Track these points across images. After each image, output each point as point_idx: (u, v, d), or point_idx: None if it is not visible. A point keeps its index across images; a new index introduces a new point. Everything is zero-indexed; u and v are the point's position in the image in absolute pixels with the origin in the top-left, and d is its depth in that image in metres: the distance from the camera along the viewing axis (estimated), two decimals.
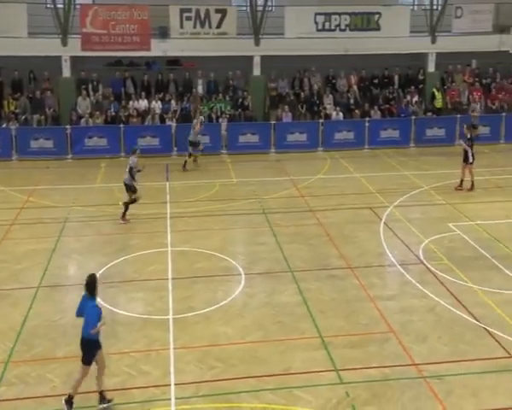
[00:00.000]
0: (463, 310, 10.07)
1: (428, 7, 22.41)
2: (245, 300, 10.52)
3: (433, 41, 22.32)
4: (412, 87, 22.19)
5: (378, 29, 22.17)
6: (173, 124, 20.35)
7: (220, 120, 20.60)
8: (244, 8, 22.45)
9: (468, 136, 16.13)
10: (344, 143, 20.35)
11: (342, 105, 21.72)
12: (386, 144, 20.31)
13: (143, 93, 21.32)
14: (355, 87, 22.26)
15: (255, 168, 18.62)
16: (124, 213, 13.82)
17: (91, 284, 7.60)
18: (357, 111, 21.54)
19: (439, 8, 22.35)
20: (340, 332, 9.44)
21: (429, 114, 21.63)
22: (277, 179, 17.41)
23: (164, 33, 21.31)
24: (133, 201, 13.92)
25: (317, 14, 21.94)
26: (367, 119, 20.82)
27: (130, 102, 21.05)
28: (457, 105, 21.96)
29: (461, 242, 12.82)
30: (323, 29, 22.09)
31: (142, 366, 8.54)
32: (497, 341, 9.19)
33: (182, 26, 21.35)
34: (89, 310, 7.52)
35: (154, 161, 19.19)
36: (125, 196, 14.11)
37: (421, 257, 12.06)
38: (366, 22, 22.24)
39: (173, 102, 21.17)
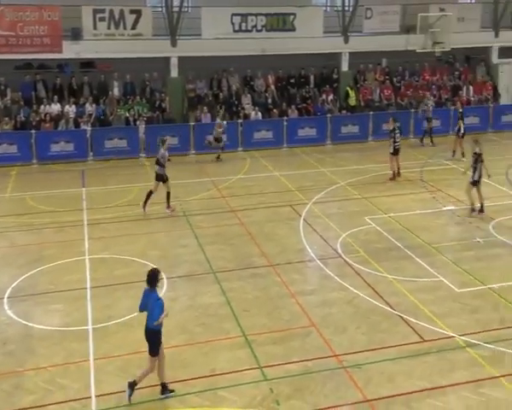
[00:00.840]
0: (380, 300, 10.50)
1: (340, 8, 23.06)
2: (167, 304, 10.20)
3: (346, 41, 23.01)
4: (327, 86, 22.81)
5: (293, 30, 22.58)
6: (88, 128, 19.76)
7: (138, 122, 20.23)
8: (160, 9, 22.17)
9: (391, 127, 16.99)
10: (263, 142, 20.58)
11: (260, 105, 21.99)
12: (303, 142, 20.72)
13: (56, 97, 20.52)
14: (272, 87, 22.59)
15: (175, 171, 18.15)
16: (168, 204, 14.47)
17: (153, 278, 8.00)
18: (275, 110, 21.88)
19: (351, 9, 23.04)
20: (264, 330, 9.58)
21: (344, 111, 22.30)
22: (198, 181, 17.35)
23: (76, 35, 20.61)
24: (151, 193, 14.48)
25: (233, 14, 22.04)
26: (285, 118, 21.17)
27: (42, 107, 20.21)
28: (370, 102, 22.82)
29: (376, 234, 13.34)
30: (240, 30, 22.23)
31: (61, 380, 8.27)
32: (410, 327, 9.65)
33: (95, 28, 20.76)
34: (153, 303, 7.95)
35: (68, 167, 18.62)
36: (154, 186, 14.46)
37: (339, 251, 12.46)
38: (282, 23, 22.59)
39: (88, 105, 20.55)
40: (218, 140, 19.31)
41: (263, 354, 8.92)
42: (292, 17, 22.56)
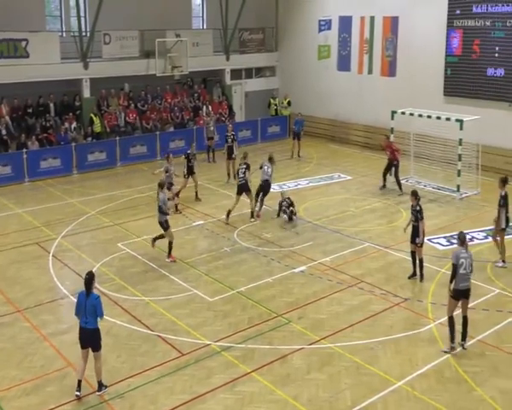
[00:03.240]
0: (138, 324, 10.56)
1: (77, 33, 22.56)
2: None
3: (86, 67, 22.58)
4: (70, 114, 22.04)
5: (27, 56, 21.28)
6: None
7: None
8: None
9: (189, 151, 17.28)
10: (0, 178, 18.97)
11: None
12: (47, 174, 19.65)
13: None
14: (7, 118, 20.87)
15: None
16: (169, 253, 13.23)
17: (89, 281, 8.62)
18: (12, 143, 20.26)
19: (88, 34, 22.70)
20: (14, 382, 8.85)
21: (89, 139, 21.82)
22: None
23: None
24: (163, 237, 13.32)
25: None
26: (24, 150, 19.74)
27: None
28: (115, 128, 22.74)
29: (130, 259, 13.36)
30: None
31: None
32: (169, 344, 9.91)
33: None
34: (95, 302, 8.63)
35: None
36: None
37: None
38: (13, 49, 21.11)
39: None
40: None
41: (15, 409, 8.19)
42: (24, 43, 21.24)
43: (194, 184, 17.27)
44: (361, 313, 10.90)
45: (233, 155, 19.23)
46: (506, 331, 10.21)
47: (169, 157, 16.36)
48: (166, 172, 16.04)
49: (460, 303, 9.57)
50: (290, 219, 15.48)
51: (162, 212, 13.04)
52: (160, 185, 13.27)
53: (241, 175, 15.59)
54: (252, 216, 15.66)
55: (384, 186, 18.30)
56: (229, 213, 15.48)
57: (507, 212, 12.66)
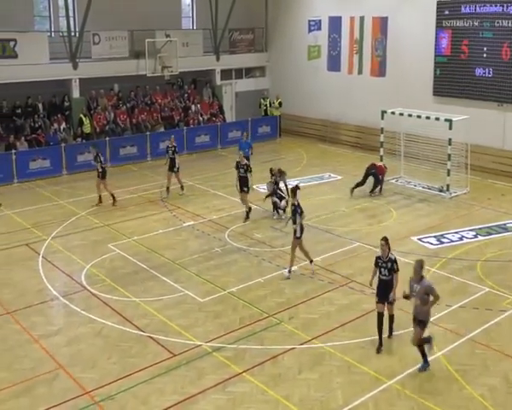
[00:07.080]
0: (129, 325, 10.51)
1: (66, 33, 22.43)
2: None
3: (75, 67, 22.46)
4: (59, 114, 21.92)
5: (15, 56, 21.13)
6: None
7: None
8: None
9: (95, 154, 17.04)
10: None
11: None
12: (37, 175, 19.52)
13: None
14: None
15: None
16: None
17: None
18: (0, 144, 20.07)
19: (77, 34, 22.57)
20: (3, 385, 8.76)
21: (79, 139, 21.68)
22: None
23: None
24: None
25: None
26: (13, 151, 19.61)
27: None
28: (105, 129, 22.61)
29: (121, 260, 13.30)
30: None
31: None
32: (161, 345, 9.87)
33: None
34: None
35: None
36: None
37: (84, 283, 12.10)
38: (1, 49, 20.97)
39: None
40: None
41: None
42: (12, 43, 21.10)
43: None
44: (352, 312, 10.92)
45: (175, 169, 17.66)
46: (495, 330, 10.29)
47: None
48: None
49: None
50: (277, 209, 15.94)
51: None
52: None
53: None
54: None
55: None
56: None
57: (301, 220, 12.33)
